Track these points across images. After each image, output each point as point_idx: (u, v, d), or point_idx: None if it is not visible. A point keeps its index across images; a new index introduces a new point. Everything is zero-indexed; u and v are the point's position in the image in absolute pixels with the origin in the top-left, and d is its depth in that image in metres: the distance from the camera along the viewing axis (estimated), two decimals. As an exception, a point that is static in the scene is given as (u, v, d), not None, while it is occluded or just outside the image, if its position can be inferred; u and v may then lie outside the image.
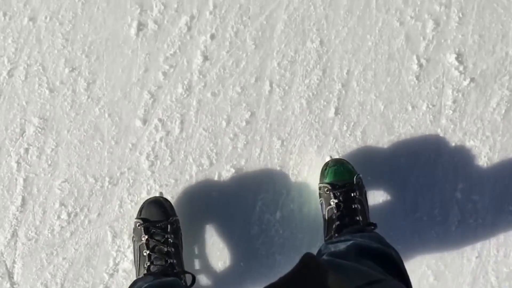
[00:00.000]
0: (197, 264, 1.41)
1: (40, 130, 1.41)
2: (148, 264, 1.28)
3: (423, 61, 1.44)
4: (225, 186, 1.42)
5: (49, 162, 1.41)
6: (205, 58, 1.44)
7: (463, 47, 1.45)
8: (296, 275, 0.82)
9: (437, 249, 1.43)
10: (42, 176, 1.41)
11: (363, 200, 1.34)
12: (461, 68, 1.44)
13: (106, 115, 1.42)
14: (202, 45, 1.44)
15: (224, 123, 1.43)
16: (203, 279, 1.41)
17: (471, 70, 1.44)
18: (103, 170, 1.41)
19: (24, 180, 1.40)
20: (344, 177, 1.33)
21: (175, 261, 1.29)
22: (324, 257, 1.13)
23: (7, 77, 1.42)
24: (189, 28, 1.44)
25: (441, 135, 1.43)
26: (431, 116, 1.44)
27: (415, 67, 1.44)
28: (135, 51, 1.43)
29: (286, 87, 1.44)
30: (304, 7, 1.45)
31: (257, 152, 1.43)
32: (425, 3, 1.45)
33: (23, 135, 1.41)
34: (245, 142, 1.43)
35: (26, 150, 1.41)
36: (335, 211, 1.30)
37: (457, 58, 1.44)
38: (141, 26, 1.44)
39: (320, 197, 1.36)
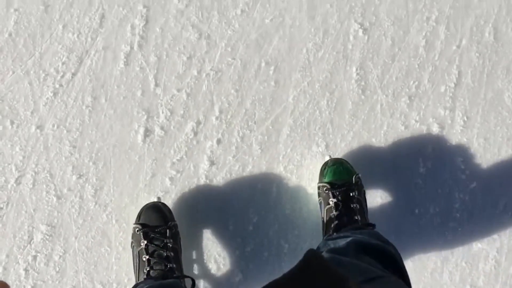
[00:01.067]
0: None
1: (48, 237, 1.42)
2: (148, 269, 1.28)
3: (428, 164, 1.45)
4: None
5: (57, 269, 1.41)
6: (212, 163, 1.44)
7: (469, 150, 1.46)
8: (299, 272, 0.82)
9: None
10: (50, 283, 1.41)
11: (362, 200, 1.34)
12: (467, 171, 1.45)
13: (114, 221, 1.42)
14: (209, 150, 1.45)
15: (231, 227, 1.43)
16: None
17: (477, 173, 1.45)
18: (111, 276, 1.41)
19: (32, 287, 1.40)
20: (343, 177, 1.34)
21: (174, 265, 1.29)
22: (324, 253, 1.13)
23: (14, 185, 1.43)
24: (195, 134, 1.45)
25: (449, 238, 1.44)
26: (438, 219, 1.44)
27: (421, 170, 1.45)
28: (142, 157, 1.44)
29: (293, 191, 1.44)
30: (310, 112, 1.46)
31: (264, 256, 1.43)
32: (429, 107, 1.46)
33: (31, 242, 1.42)
34: (252, 246, 1.43)
35: (34, 257, 1.41)
36: (334, 211, 1.30)
37: (462, 161, 1.45)
38: (147, 132, 1.45)
39: (319, 196, 1.36)
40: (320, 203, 1.35)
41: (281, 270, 0.94)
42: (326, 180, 1.35)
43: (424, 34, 1.47)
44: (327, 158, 1.40)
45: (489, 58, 1.47)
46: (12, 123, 1.44)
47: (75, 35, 1.45)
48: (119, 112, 1.45)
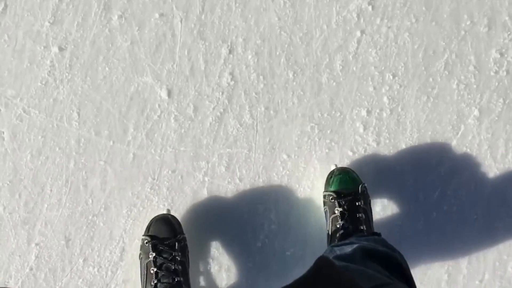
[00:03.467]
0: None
1: None
2: (155, 282, 1.28)
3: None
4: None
5: None
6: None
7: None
8: (310, 278, 0.81)
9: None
10: None
11: (368, 209, 1.34)
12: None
13: None
14: None
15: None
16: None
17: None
18: None
19: None
20: (349, 186, 1.33)
21: (182, 279, 1.29)
22: None
23: None
24: None
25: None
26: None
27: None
28: None
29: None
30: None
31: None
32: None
33: None
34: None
35: None
36: (340, 220, 1.29)
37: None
38: None
39: (324, 205, 1.36)
40: (326, 212, 1.35)
41: (290, 281, 0.95)
42: (332, 189, 1.34)
43: (445, 268, 1.47)
44: (333, 167, 1.40)
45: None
46: None
47: (96, 269, 1.45)
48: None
